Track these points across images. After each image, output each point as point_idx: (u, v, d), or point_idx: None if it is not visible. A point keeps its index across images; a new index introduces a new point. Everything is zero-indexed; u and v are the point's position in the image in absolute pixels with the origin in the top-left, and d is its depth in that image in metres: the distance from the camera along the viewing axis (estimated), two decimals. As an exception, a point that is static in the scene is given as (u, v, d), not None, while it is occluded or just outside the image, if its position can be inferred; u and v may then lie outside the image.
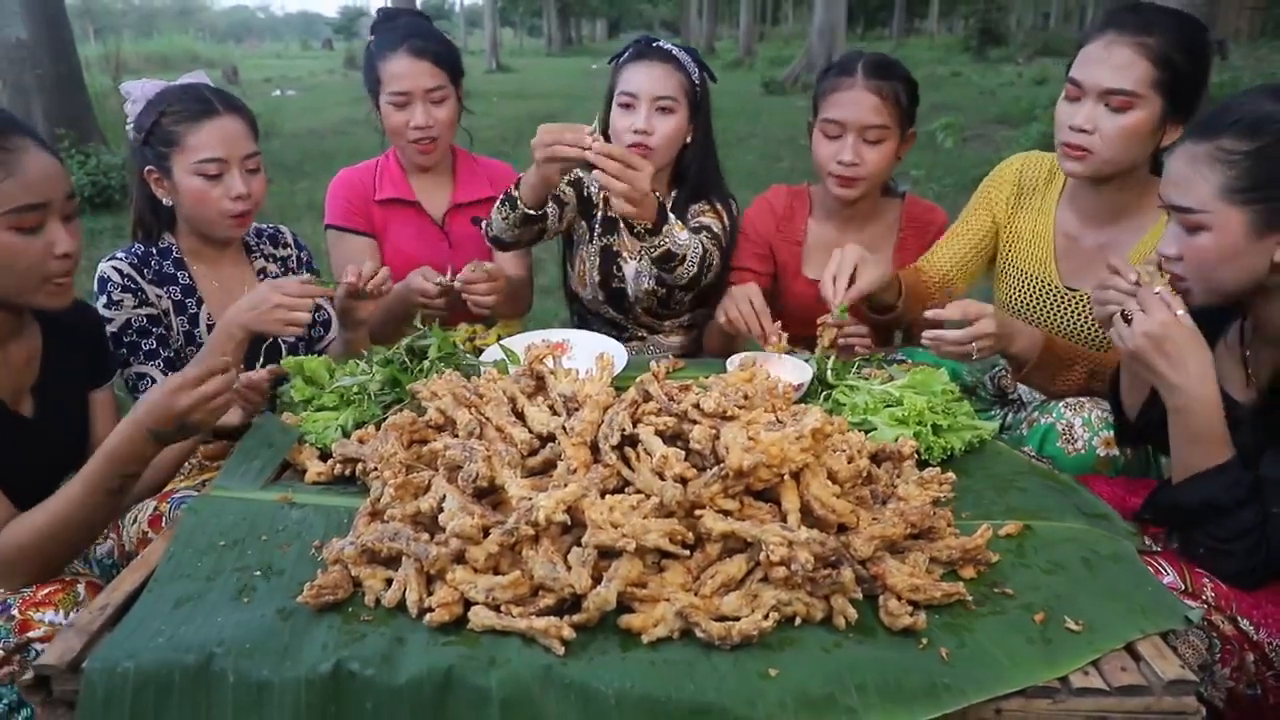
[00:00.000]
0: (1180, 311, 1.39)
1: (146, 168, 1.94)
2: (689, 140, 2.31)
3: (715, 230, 2.25)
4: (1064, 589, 1.21)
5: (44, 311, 1.59)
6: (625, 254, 2.42)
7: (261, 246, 2.20)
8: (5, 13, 7.63)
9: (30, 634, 1.31)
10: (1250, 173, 1.34)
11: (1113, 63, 1.78)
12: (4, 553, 1.41)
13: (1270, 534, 1.32)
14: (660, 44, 2.30)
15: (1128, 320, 1.42)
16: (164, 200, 1.97)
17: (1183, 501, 1.39)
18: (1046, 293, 2.03)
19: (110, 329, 1.89)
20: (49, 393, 1.64)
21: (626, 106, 2.23)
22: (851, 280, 1.84)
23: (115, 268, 1.94)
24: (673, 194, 2.40)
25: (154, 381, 1.90)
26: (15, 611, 1.33)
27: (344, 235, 2.44)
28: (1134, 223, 1.93)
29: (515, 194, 2.04)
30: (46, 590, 1.37)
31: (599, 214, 2.43)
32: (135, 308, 1.93)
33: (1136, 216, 1.93)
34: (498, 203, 2.10)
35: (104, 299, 1.91)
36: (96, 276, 1.94)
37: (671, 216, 1.99)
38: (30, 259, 1.46)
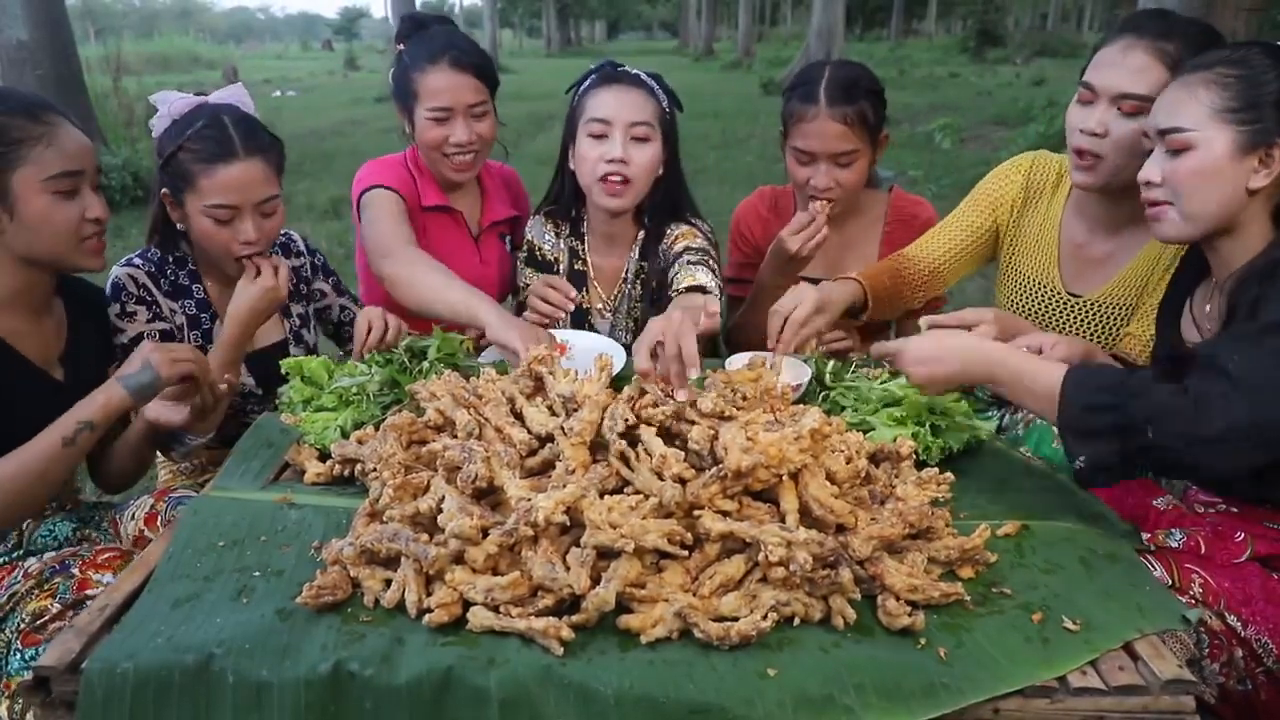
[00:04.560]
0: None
1: (163, 189, 1.87)
2: (660, 173, 2.15)
3: (712, 265, 2.09)
4: (1062, 589, 1.21)
5: (67, 281, 1.73)
6: (600, 310, 2.29)
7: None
8: (6, 14, 7.63)
9: (87, 592, 1.38)
10: (1243, 94, 1.41)
11: (1129, 66, 1.75)
12: None
13: (1226, 377, 1.23)
14: (627, 69, 2.16)
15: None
16: (178, 225, 1.90)
17: (1089, 422, 1.29)
18: (1049, 298, 2.03)
19: (121, 339, 1.87)
20: (75, 361, 1.73)
21: (598, 136, 2.07)
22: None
23: (131, 275, 1.89)
24: (640, 234, 2.24)
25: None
26: (75, 571, 1.43)
27: (390, 196, 2.20)
28: (1139, 232, 1.92)
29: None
30: (106, 555, 1.47)
31: (561, 269, 2.29)
32: (149, 321, 1.89)
33: (1143, 226, 1.91)
34: None
35: (117, 308, 1.88)
36: (110, 281, 1.90)
37: (700, 275, 2.00)
38: (68, 221, 1.59)
